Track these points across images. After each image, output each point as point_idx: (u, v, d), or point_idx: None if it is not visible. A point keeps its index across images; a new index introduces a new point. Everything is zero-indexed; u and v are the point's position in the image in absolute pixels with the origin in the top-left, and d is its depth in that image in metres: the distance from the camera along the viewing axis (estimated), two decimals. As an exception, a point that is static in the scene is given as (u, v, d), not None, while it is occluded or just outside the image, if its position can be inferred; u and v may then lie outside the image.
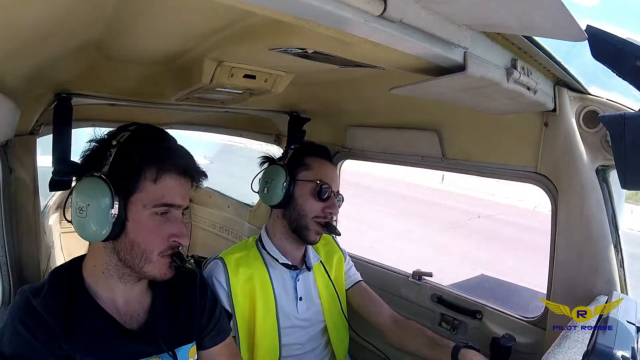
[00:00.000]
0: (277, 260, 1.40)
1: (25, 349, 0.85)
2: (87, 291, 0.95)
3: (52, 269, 1.00)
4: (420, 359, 1.42)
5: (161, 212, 0.94)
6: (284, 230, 1.42)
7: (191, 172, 0.99)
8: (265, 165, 1.47)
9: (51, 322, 0.87)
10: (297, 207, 1.38)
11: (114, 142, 0.93)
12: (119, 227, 0.90)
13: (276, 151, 1.92)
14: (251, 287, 1.35)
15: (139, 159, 0.92)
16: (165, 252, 0.95)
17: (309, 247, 1.49)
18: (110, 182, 0.88)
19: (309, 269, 1.46)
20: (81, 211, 0.89)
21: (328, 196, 1.39)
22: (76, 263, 1.00)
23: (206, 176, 1.03)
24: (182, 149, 1.00)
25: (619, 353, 0.81)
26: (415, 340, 1.42)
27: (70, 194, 0.94)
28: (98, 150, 0.95)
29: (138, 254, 0.93)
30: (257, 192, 1.45)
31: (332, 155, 1.51)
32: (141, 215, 0.92)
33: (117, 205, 0.88)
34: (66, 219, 0.95)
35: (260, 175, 1.45)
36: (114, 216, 0.88)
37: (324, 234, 1.48)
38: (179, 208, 0.97)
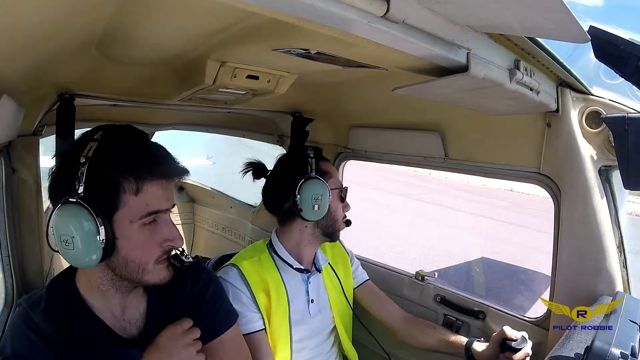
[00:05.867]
0: (291, 266, 1.40)
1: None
2: (84, 303, 0.94)
3: (51, 279, 0.99)
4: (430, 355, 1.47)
5: (149, 222, 0.90)
6: (313, 237, 1.43)
7: (171, 173, 0.93)
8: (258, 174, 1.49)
9: (52, 335, 0.88)
10: (332, 214, 1.42)
11: (82, 159, 0.84)
12: (110, 248, 0.86)
13: (278, 151, 1.90)
14: (266, 291, 1.35)
15: (114, 173, 0.85)
16: (161, 257, 0.92)
17: (318, 249, 1.51)
18: (89, 205, 0.82)
19: (319, 270, 1.47)
20: (67, 244, 0.83)
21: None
22: (69, 276, 0.97)
23: (188, 172, 0.95)
24: (156, 150, 0.94)
25: (618, 351, 0.81)
26: (428, 337, 1.48)
27: (49, 221, 0.86)
28: (67, 169, 0.86)
29: (134, 269, 0.90)
30: (302, 211, 1.34)
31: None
32: (130, 230, 0.87)
33: (102, 230, 0.83)
34: (52, 249, 0.88)
35: (301, 191, 1.34)
36: (102, 241, 0.83)
37: None
38: (166, 212, 0.93)
